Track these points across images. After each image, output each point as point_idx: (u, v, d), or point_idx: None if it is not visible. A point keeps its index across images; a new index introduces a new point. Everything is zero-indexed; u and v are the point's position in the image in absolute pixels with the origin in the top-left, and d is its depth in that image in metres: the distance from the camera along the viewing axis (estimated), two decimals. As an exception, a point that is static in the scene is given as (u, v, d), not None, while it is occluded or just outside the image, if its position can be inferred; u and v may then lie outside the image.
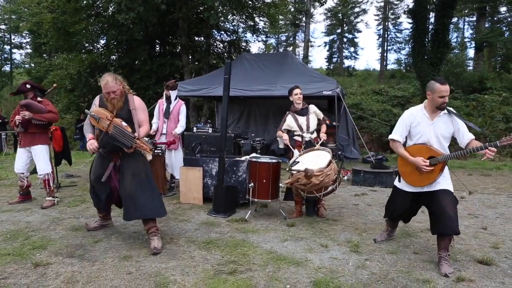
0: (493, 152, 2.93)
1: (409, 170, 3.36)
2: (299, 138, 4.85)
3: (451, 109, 3.27)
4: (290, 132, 4.92)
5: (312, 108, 4.91)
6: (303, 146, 4.77)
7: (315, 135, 4.81)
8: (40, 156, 5.06)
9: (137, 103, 3.66)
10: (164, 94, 6.14)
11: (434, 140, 3.25)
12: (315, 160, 4.36)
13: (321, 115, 4.91)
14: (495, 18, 23.76)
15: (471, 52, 24.64)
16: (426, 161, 3.19)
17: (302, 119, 4.85)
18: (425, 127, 3.27)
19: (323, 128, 4.88)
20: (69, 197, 5.77)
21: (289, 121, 4.89)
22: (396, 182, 3.61)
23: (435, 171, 3.20)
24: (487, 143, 2.97)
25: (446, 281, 2.90)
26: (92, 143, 3.54)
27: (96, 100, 3.72)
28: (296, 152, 4.68)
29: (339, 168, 4.33)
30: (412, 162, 3.28)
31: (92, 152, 3.61)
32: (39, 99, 5.03)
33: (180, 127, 6.04)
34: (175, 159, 6.11)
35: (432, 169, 3.20)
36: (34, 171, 5.33)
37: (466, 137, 3.17)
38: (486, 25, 22.47)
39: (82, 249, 3.47)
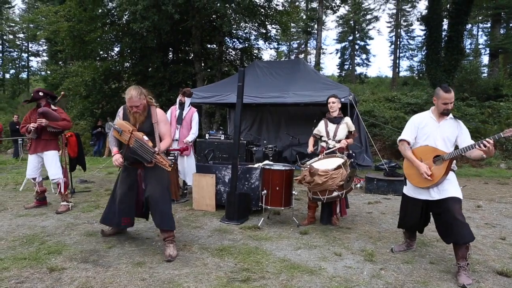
0: (488, 143, 2.91)
1: (414, 172, 3.39)
2: (324, 144, 4.88)
3: (458, 120, 3.35)
4: (320, 138, 4.97)
5: (346, 119, 4.93)
6: (324, 152, 4.77)
7: (341, 143, 4.78)
8: (52, 161, 5.15)
9: (159, 116, 3.70)
10: (178, 100, 6.18)
11: (441, 142, 3.31)
12: (327, 163, 4.38)
13: (352, 128, 4.90)
14: (511, 24, 23.44)
15: (485, 59, 24.32)
16: (429, 172, 3.24)
17: (332, 127, 4.88)
18: (432, 128, 3.36)
19: (348, 140, 4.86)
20: (83, 202, 5.83)
21: (320, 126, 4.98)
22: (404, 190, 3.61)
23: (441, 171, 3.21)
24: (482, 140, 2.97)
25: (464, 292, 2.84)
26: (117, 159, 3.60)
27: (120, 111, 3.76)
28: (320, 156, 4.70)
29: (349, 177, 4.26)
30: (416, 166, 3.33)
31: (117, 166, 3.66)
32: (53, 107, 5.13)
33: (192, 135, 6.07)
34: (187, 165, 6.13)
35: (438, 168, 3.22)
36: (47, 177, 5.41)
37: (467, 142, 3.22)
38: (501, 32, 22.16)
39: (96, 255, 3.50)
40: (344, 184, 4.23)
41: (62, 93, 6.27)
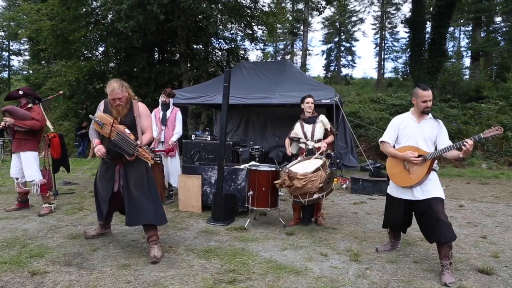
0: (468, 144, 2.98)
1: (397, 171, 3.44)
2: (303, 146, 4.88)
3: (438, 119, 3.42)
4: (298, 140, 4.95)
5: (321, 117, 4.92)
6: (304, 154, 4.79)
7: (319, 144, 4.80)
8: (27, 162, 5.01)
9: (141, 109, 3.65)
10: (160, 102, 6.14)
11: (422, 142, 3.36)
12: (306, 166, 4.39)
13: (328, 125, 4.90)
14: (491, 28, 24.01)
15: (467, 61, 24.85)
16: (414, 153, 3.28)
17: (308, 127, 4.88)
18: (412, 129, 3.42)
19: (328, 138, 4.88)
20: (67, 204, 5.73)
21: (296, 129, 4.96)
22: (388, 190, 3.67)
23: (423, 170, 3.26)
24: (463, 140, 3.05)
25: (447, 290, 2.89)
26: (100, 149, 3.52)
27: (101, 105, 3.70)
28: (299, 158, 4.71)
29: (328, 178, 4.28)
30: (401, 157, 3.38)
31: (100, 157, 3.59)
32: (29, 106, 5.00)
33: (176, 134, 6.03)
34: (171, 167, 6.09)
35: (421, 167, 3.27)
36: None
37: (445, 143, 3.28)
38: (482, 35, 22.69)
39: (80, 258, 3.44)
40: (324, 185, 4.23)
41: (61, 92, 6.19)
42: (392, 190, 3.58)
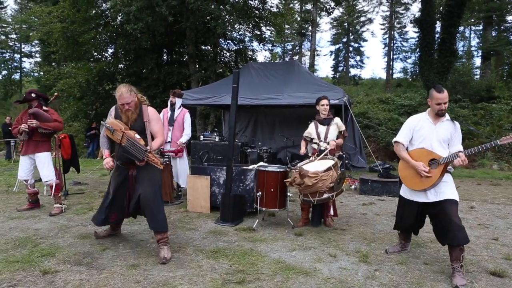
0: (462, 159, 3.07)
1: (410, 174, 3.40)
2: (315, 146, 4.88)
3: (455, 122, 3.37)
4: (311, 140, 4.96)
5: (336, 120, 4.91)
6: (316, 154, 4.78)
7: (332, 146, 4.78)
8: (44, 163, 5.10)
9: (151, 114, 3.67)
10: (169, 101, 6.18)
11: (437, 144, 3.31)
12: (318, 165, 4.38)
13: (342, 128, 4.89)
14: (502, 27, 23.70)
15: (478, 61, 24.58)
16: (427, 167, 3.24)
17: (322, 128, 4.87)
18: (428, 131, 3.36)
19: (338, 140, 4.86)
20: (77, 204, 5.79)
21: (310, 129, 4.96)
22: (401, 192, 3.63)
23: (436, 175, 3.21)
24: (475, 147, 3.10)
25: (458, 293, 2.86)
26: (108, 162, 3.59)
27: (112, 111, 3.74)
28: (311, 158, 4.71)
29: (339, 179, 4.26)
30: (413, 166, 3.33)
31: (108, 169, 3.64)
32: (44, 108, 5.08)
33: (185, 136, 6.05)
34: (180, 167, 6.11)
35: (433, 171, 3.23)
36: (40, 179, 5.36)
37: (456, 148, 3.26)
38: (493, 34, 22.41)
39: (90, 257, 3.47)
40: (334, 186, 4.22)
41: (56, 94, 6.24)
42: (405, 192, 3.53)
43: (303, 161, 4.66)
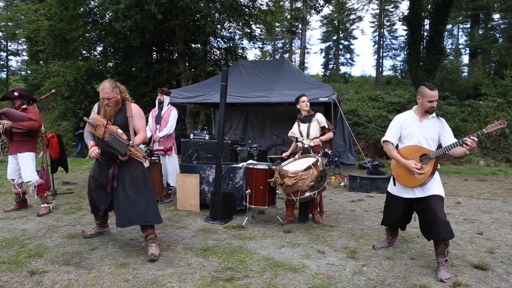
0: (473, 140, 2.97)
1: (402, 172, 3.42)
2: (300, 144, 4.91)
3: (441, 118, 3.38)
4: (296, 139, 5.00)
5: (317, 116, 4.92)
6: (300, 152, 4.82)
7: (316, 142, 4.82)
8: (24, 163, 5.03)
9: (134, 110, 3.67)
10: (157, 100, 6.15)
11: (424, 141, 3.34)
12: (298, 165, 4.42)
13: (323, 123, 4.89)
14: (489, 25, 24.02)
15: (465, 59, 24.86)
16: (418, 164, 3.25)
17: (303, 126, 4.91)
18: (414, 128, 3.38)
19: (325, 135, 4.89)
20: (66, 204, 5.75)
21: (294, 128, 5.02)
22: (389, 188, 3.66)
23: (428, 171, 3.25)
24: (467, 136, 3.04)
25: (443, 286, 2.92)
26: (94, 150, 3.54)
27: (95, 107, 3.75)
28: (296, 156, 4.74)
29: (319, 177, 4.28)
30: (404, 164, 3.34)
31: (95, 157, 3.61)
32: (24, 106, 5.01)
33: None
34: (169, 165, 6.09)
35: (425, 167, 3.25)
36: None
37: (450, 141, 3.25)
38: (480, 32, 22.70)
39: (79, 257, 3.46)
40: (315, 184, 4.25)
41: (53, 90, 6.21)
42: (393, 188, 3.57)
43: (287, 160, 4.69)
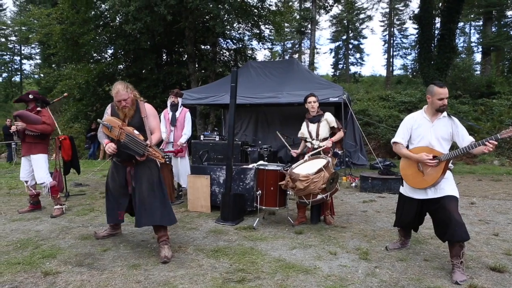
0: (492, 144, 2.92)
1: (411, 173, 3.37)
2: (309, 145, 4.87)
3: (453, 117, 3.31)
4: (305, 140, 4.97)
5: (326, 115, 4.87)
6: (310, 153, 4.78)
7: (326, 143, 4.77)
8: (37, 165, 5.10)
9: (148, 110, 3.69)
10: (169, 103, 6.15)
11: (435, 142, 3.28)
12: (309, 167, 4.36)
13: (333, 123, 4.84)
14: (502, 22, 23.64)
15: (478, 57, 24.54)
16: (429, 155, 3.19)
17: (312, 127, 4.87)
18: (425, 129, 3.33)
19: (336, 135, 4.84)
20: (78, 205, 5.81)
21: (302, 128, 4.97)
22: (401, 189, 3.61)
23: (438, 172, 3.19)
24: (486, 138, 2.97)
25: (458, 288, 2.86)
26: (110, 146, 3.51)
27: (108, 109, 3.76)
28: (306, 157, 4.70)
29: (331, 179, 4.23)
30: (415, 159, 3.30)
31: (111, 153, 3.59)
32: (38, 109, 5.09)
33: (185, 135, 6.02)
34: (181, 167, 6.11)
35: (435, 169, 3.19)
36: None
37: (466, 139, 3.19)
38: (493, 29, 22.35)
39: (91, 258, 3.49)
40: (327, 186, 4.19)
41: (65, 94, 6.30)
42: (405, 189, 3.52)
43: (297, 162, 4.64)
